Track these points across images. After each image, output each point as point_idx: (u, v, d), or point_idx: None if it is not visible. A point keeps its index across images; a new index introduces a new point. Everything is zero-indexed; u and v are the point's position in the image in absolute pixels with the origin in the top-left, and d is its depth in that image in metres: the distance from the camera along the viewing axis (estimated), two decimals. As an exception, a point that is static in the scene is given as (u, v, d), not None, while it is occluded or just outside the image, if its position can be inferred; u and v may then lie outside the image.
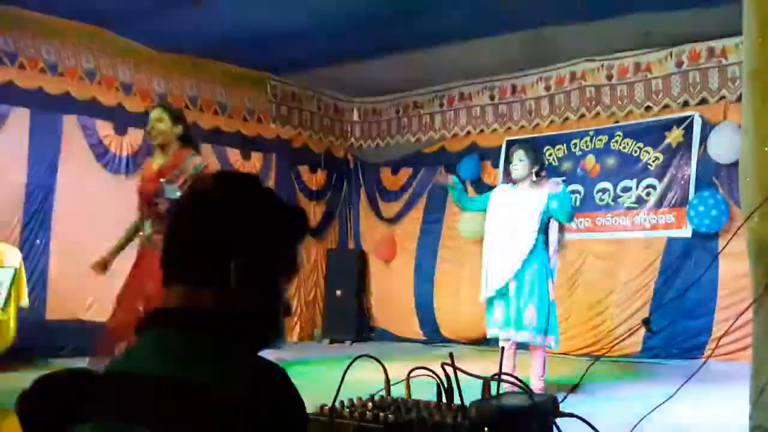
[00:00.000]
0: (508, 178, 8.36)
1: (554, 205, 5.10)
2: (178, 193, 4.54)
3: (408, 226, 9.30)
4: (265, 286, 1.18)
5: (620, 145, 7.71)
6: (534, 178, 5.21)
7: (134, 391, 1.04)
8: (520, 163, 5.21)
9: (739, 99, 6.48)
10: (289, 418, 1.08)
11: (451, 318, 8.69)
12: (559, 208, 5.10)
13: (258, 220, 1.17)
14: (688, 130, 7.27)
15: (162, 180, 4.54)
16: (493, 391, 1.76)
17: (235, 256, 1.12)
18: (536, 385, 4.87)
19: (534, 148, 5.53)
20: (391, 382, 1.90)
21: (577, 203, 7.72)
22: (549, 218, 5.27)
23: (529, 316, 5.06)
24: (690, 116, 7.28)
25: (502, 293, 5.19)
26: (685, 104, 7.37)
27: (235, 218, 1.15)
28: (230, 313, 1.13)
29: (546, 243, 5.27)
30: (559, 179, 5.53)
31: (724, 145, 6.76)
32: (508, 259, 5.16)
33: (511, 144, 8.51)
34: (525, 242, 5.11)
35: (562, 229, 5.19)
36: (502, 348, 1.93)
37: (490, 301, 5.33)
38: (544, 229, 5.23)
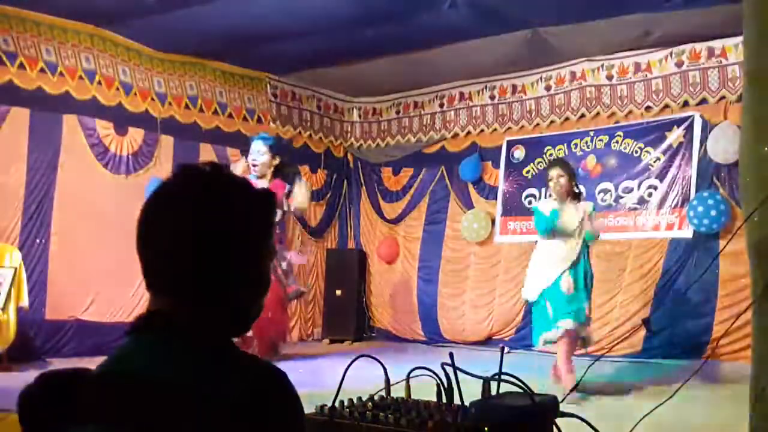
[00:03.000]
0: (508, 179, 8.42)
1: (589, 220, 5.42)
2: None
3: (410, 226, 9.30)
4: (252, 276, 1.17)
5: (621, 145, 7.71)
6: (575, 191, 5.50)
7: (131, 394, 1.03)
8: (562, 179, 5.40)
9: (739, 99, 6.49)
10: (289, 419, 1.07)
11: (453, 319, 8.70)
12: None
13: (227, 214, 1.14)
14: (689, 130, 7.27)
15: None
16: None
17: (216, 256, 1.11)
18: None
19: (568, 163, 5.77)
20: (391, 382, 1.90)
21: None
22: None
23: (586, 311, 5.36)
24: (690, 116, 7.28)
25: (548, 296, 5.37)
26: (685, 104, 7.37)
27: (206, 216, 1.13)
28: (220, 310, 1.13)
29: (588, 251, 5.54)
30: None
31: (724, 146, 6.76)
32: (552, 266, 5.36)
33: (512, 144, 8.55)
34: (573, 250, 5.34)
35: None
36: (502, 348, 1.93)
37: (535, 305, 5.53)
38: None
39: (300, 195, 5.86)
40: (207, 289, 1.12)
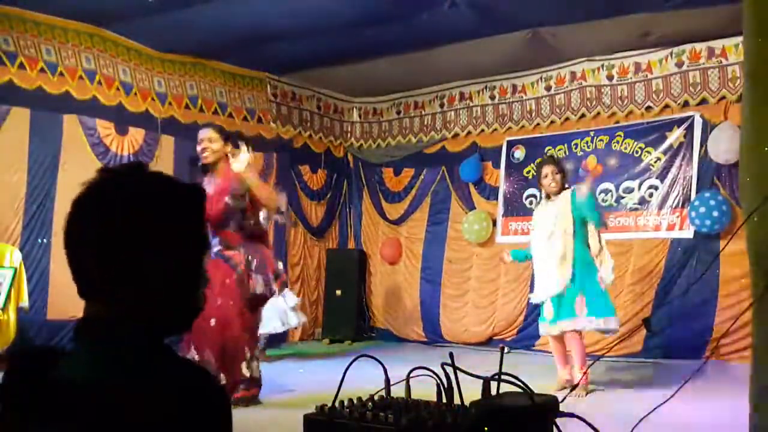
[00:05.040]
0: (509, 179, 8.41)
1: (580, 200, 5.27)
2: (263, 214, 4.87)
3: (413, 227, 9.30)
4: (177, 277, 1.17)
5: (621, 145, 7.71)
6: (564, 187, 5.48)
7: (63, 399, 1.06)
8: (555, 177, 5.41)
9: (739, 99, 6.48)
10: (215, 423, 1.10)
11: (455, 320, 8.69)
12: (586, 206, 5.28)
13: (148, 213, 1.14)
14: (689, 130, 7.27)
15: (227, 199, 4.70)
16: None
17: (140, 257, 1.12)
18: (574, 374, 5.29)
19: (559, 160, 5.78)
20: (391, 382, 1.90)
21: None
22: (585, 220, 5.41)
23: (579, 305, 5.28)
24: (690, 116, 7.28)
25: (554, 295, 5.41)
26: (686, 104, 7.37)
27: (128, 217, 1.13)
28: (152, 312, 1.14)
29: (586, 242, 5.40)
30: (583, 184, 5.53)
31: (724, 146, 6.76)
32: (554, 269, 5.35)
33: (512, 144, 8.55)
34: (566, 247, 5.31)
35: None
36: (502, 348, 1.93)
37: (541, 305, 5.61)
38: (581, 231, 5.36)
39: (238, 161, 5.00)
40: (134, 290, 1.13)
